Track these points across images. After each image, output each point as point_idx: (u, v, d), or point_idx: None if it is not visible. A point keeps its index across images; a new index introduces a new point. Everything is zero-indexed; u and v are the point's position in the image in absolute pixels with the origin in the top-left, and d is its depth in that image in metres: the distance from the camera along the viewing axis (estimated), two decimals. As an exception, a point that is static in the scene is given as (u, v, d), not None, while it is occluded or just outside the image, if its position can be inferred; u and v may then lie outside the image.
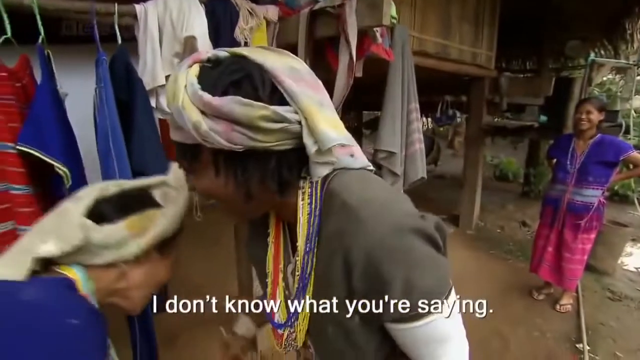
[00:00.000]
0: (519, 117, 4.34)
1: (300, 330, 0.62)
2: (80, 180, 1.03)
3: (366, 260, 0.49)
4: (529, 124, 4.13)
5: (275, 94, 0.48)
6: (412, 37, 2.68)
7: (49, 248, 0.54)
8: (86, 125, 1.10)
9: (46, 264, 0.55)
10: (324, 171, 0.53)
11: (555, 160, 2.73)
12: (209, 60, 0.50)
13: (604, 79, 6.68)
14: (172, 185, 0.70)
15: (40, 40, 1.02)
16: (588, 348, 2.35)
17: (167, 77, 1.27)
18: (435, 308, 0.50)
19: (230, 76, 0.47)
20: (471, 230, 4.31)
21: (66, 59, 1.10)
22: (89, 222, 0.57)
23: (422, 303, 0.50)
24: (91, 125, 1.12)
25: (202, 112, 0.46)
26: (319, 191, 0.56)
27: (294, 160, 0.52)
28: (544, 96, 3.98)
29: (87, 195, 0.61)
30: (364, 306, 0.53)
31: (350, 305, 0.53)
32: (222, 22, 1.37)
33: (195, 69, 0.48)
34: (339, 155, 0.57)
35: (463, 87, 4.14)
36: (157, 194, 0.70)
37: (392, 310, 0.50)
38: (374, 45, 1.47)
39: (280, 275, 0.66)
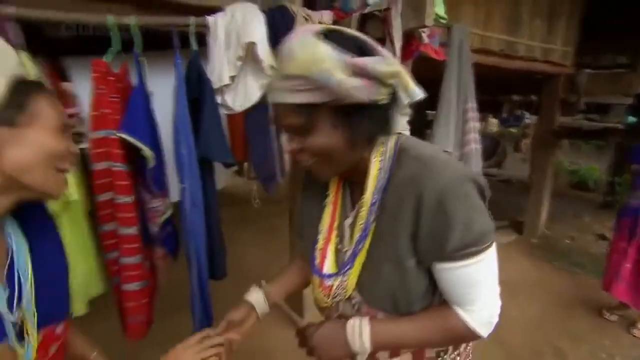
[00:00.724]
0: (602, 118, 3.92)
1: (353, 276, 0.70)
2: (159, 162, 1.28)
3: (436, 199, 0.60)
4: (613, 125, 3.71)
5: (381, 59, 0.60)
6: (474, 35, 2.61)
7: None
8: (166, 117, 1.35)
9: None
10: (403, 123, 0.67)
11: (635, 166, 2.46)
12: (323, 32, 0.59)
13: None
14: None
15: (136, 50, 1.28)
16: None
17: (231, 78, 1.47)
18: (483, 250, 0.61)
19: (354, 42, 0.60)
20: (535, 239, 4.02)
21: (152, 63, 1.35)
22: None
23: (475, 243, 0.61)
24: (170, 117, 1.36)
25: (344, 71, 0.56)
26: (392, 147, 0.68)
27: (383, 114, 0.63)
28: (635, 94, 3.54)
29: None
30: (425, 245, 0.63)
31: (412, 245, 0.64)
32: (280, 28, 1.53)
33: (323, 38, 0.57)
34: None
35: (533, 86, 3.85)
36: None
37: (449, 248, 0.60)
38: (422, 46, 1.52)
39: (334, 233, 0.75)
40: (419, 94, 0.62)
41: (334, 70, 0.55)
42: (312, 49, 0.56)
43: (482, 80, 3.69)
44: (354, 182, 0.75)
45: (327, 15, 1.63)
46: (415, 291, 0.67)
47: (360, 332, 0.67)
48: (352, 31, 0.62)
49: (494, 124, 6.33)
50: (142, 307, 1.35)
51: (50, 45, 1.68)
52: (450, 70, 2.18)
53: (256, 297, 0.86)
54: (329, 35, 0.59)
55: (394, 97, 0.62)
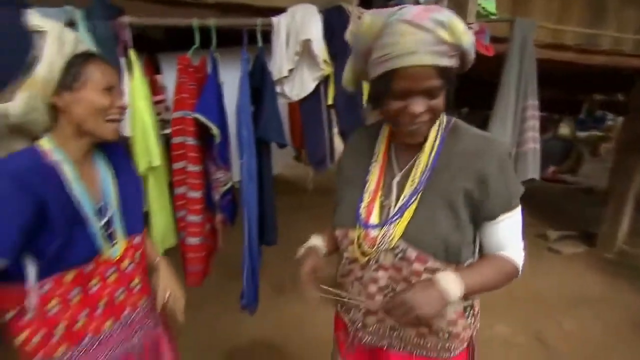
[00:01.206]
0: None
1: (400, 226, 0.80)
2: (224, 140, 1.55)
3: (498, 167, 0.79)
4: None
5: None
6: (544, 29, 2.48)
7: None
8: (233, 103, 1.60)
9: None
10: None
11: None
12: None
13: None
14: (45, 34, 0.82)
15: (212, 47, 1.55)
16: None
17: (289, 71, 1.67)
18: (518, 204, 0.82)
19: None
20: (611, 254, 3.63)
21: (224, 58, 1.61)
22: (1, 105, 0.78)
23: (515, 199, 0.81)
24: (235, 104, 1.61)
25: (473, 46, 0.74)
26: (446, 122, 0.86)
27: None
28: None
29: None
30: (492, 201, 0.79)
31: (468, 201, 0.79)
32: (336, 26, 1.68)
33: None
34: None
35: (621, 84, 3.45)
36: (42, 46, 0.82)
37: (512, 202, 0.81)
38: (471, 41, 1.54)
39: (380, 191, 0.87)
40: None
41: (472, 41, 0.73)
42: (460, 23, 0.70)
43: (556, 77, 3.41)
44: (400, 147, 0.88)
45: (380, 13, 1.73)
46: (466, 238, 0.81)
47: (454, 280, 0.74)
48: None
49: (565, 126, 5.67)
50: (201, 259, 1.64)
51: (149, 44, 2.07)
52: (510, 67, 2.12)
53: (316, 241, 1.00)
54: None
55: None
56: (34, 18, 0.85)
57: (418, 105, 0.73)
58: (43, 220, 0.76)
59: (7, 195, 0.72)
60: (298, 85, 1.71)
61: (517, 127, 2.24)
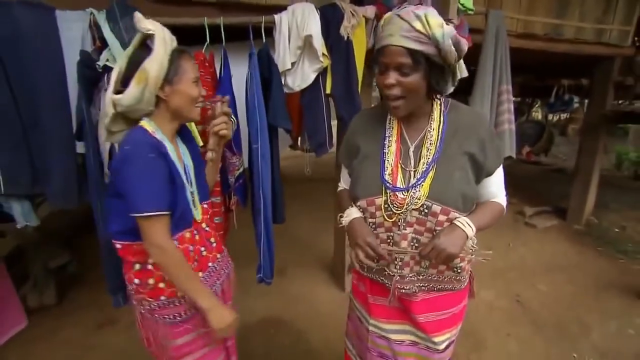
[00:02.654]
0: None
1: (425, 187, 0.96)
2: (238, 125, 1.71)
3: (491, 135, 1.01)
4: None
5: None
6: (515, 20, 2.72)
7: (107, 121, 1.00)
8: (241, 94, 1.76)
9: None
10: (452, 88, 1.00)
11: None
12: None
13: None
14: (153, 35, 0.96)
15: (222, 43, 1.70)
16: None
17: (292, 64, 1.84)
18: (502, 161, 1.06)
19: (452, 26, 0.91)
20: (579, 226, 4.00)
21: (232, 52, 1.76)
22: (115, 96, 0.94)
23: (502, 157, 1.06)
24: (243, 94, 1.78)
25: (450, 39, 0.87)
26: (445, 102, 1.04)
27: (447, 78, 0.95)
28: None
29: (112, 82, 0.97)
30: (490, 160, 1.00)
31: (472, 162, 0.98)
32: (331, 22, 1.86)
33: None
34: None
35: (585, 69, 3.76)
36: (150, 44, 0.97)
37: (502, 159, 1.04)
38: (452, 33, 1.76)
39: (400, 159, 1.01)
40: (465, 73, 1.02)
41: (447, 35, 0.86)
42: (438, 18, 0.87)
43: (529, 65, 3.67)
44: (411, 124, 1.04)
45: (370, 10, 1.93)
46: (475, 191, 1.02)
47: (468, 223, 0.96)
48: None
49: (538, 110, 6.10)
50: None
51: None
52: (485, 54, 2.35)
53: (356, 212, 1.09)
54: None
55: (455, 71, 0.95)
56: (145, 22, 0.98)
57: (390, 78, 0.91)
58: (172, 181, 0.97)
59: (153, 160, 0.92)
60: (300, 76, 1.88)
61: (494, 109, 2.47)
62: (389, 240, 1.03)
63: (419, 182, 0.97)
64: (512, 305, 2.74)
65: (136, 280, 1.05)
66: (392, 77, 0.90)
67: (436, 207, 0.96)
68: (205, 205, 1.15)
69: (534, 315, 2.60)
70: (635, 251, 3.45)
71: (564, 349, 2.26)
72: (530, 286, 2.97)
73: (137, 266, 1.05)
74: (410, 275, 1.05)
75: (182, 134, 1.14)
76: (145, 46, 1.01)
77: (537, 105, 6.40)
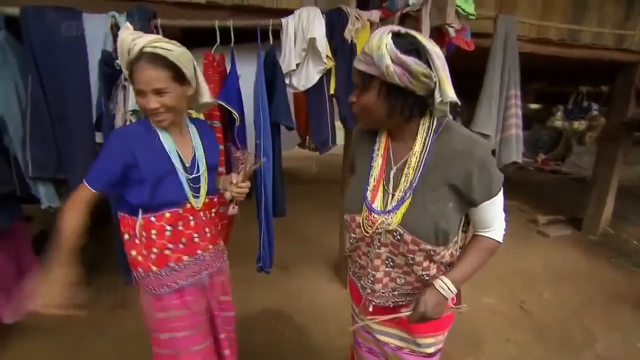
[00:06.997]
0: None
1: (398, 215, 0.93)
2: (243, 122, 1.82)
3: (481, 164, 0.89)
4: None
5: (427, 64, 0.82)
6: (529, 25, 2.70)
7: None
8: (249, 93, 1.87)
9: None
10: (440, 113, 0.90)
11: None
12: (398, 32, 0.84)
13: None
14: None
15: (232, 44, 1.82)
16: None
17: (297, 65, 1.93)
18: (497, 192, 0.93)
19: (410, 46, 0.82)
20: (595, 236, 3.88)
21: (240, 53, 1.87)
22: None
23: (500, 185, 0.93)
24: (251, 93, 1.88)
25: (392, 60, 0.80)
26: (434, 125, 0.94)
27: (421, 103, 0.89)
28: None
29: None
30: (477, 192, 0.90)
31: (453, 193, 0.92)
32: (336, 25, 1.94)
33: (390, 35, 0.82)
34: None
35: (605, 76, 3.66)
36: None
37: (493, 191, 0.92)
38: (453, 38, 1.79)
39: (382, 179, 0.99)
40: (452, 97, 0.84)
41: (386, 56, 0.81)
42: (380, 40, 0.82)
43: (546, 70, 3.60)
44: (397, 143, 0.99)
45: (375, 14, 1.99)
46: (453, 224, 0.94)
47: (446, 285, 0.95)
48: (421, 37, 0.84)
49: (557, 117, 5.90)
50: (224, 226, 1.91)
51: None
52: (493, 59, 2.36)
53: None
54: (399, 35, 0.84)
55: (432, 93, 0.86)
56: (122, 31, 1.05)
57: (353, 94, 0.95)
58: (135, 167, 1.07)
59: (112, 148, 1.06)
60: (304, 77, 1.97)
61: (501, 114, 2.47)
62: (368, 254, 1.05)
63: (394, 209, 0.95)
64: (515, 311, 2.71)
65: (132, 252, 1.16)
66: (354, 94, 0.94)
67: (407, 237, 0.94)
68: (213, 200, 1.25)
69: (536, 322, 2.57)
70: (653, 266, 3.33)
71: (565, 358, 2.23)
72: (536, 293, 2.93)
73: (126, 236, 1.15)
74: (383, 291, 1.06)
75: (201, 130, 1.25)
76: None
77: (558, 113, 6.23)
